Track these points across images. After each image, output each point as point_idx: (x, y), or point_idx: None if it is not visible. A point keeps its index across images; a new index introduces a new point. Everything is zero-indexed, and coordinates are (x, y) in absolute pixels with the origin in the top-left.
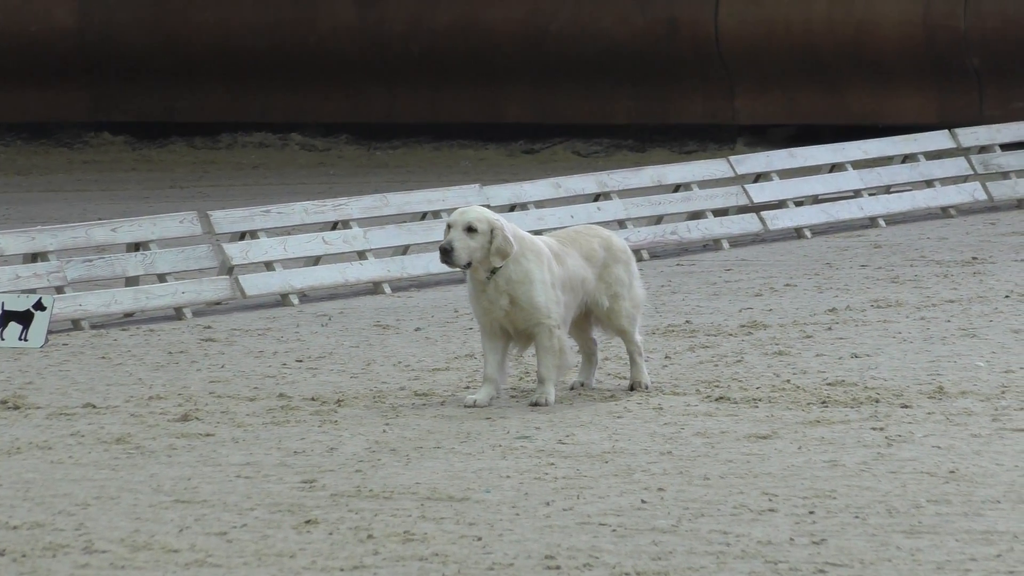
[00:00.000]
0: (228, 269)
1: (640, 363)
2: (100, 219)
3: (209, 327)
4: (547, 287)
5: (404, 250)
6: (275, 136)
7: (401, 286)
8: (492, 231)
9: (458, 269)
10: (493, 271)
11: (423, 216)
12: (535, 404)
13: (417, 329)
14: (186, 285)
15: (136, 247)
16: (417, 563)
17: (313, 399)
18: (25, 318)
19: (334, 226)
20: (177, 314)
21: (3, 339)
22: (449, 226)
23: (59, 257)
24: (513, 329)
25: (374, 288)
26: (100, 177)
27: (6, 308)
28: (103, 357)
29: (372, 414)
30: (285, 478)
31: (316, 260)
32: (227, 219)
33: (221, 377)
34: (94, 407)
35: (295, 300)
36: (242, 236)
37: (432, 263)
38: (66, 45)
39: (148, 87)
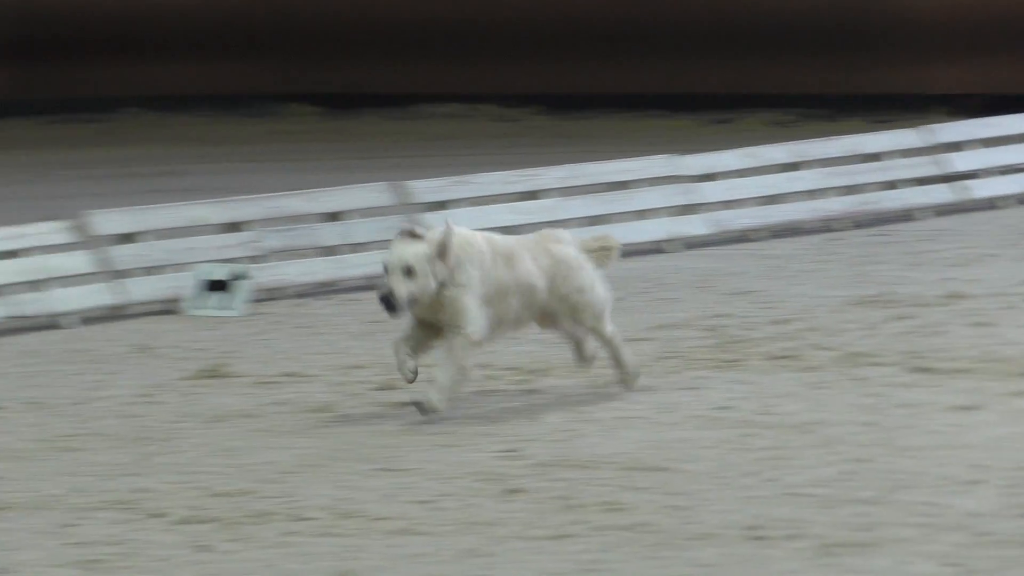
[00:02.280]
0: None
1: (622, 356)
2: (297, 189)
3: None
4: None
5: (597, 220)
6: (466, 107)
7: None
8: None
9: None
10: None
11: (616, 186)
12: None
13: (614, 299)
14: (382, 255)
15: (333, 217)
16: (621, 532)
17: (514, 368)
18: (226, 287)
19: (528, 196)
20: (372, 284)
21: (205, 308)
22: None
23: (258, 227)
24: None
25: None
26: (294, 148)
27: (207, 277)
28: (303, 326)
29: (572, 383)
30: (488, 447)
31: (510, 230)
32: (423, 189)
33: None
34: (296, 375)
35: None
36: (437, 206)
37: (626, 232)
38: (258, 18)
39: (340, 59)
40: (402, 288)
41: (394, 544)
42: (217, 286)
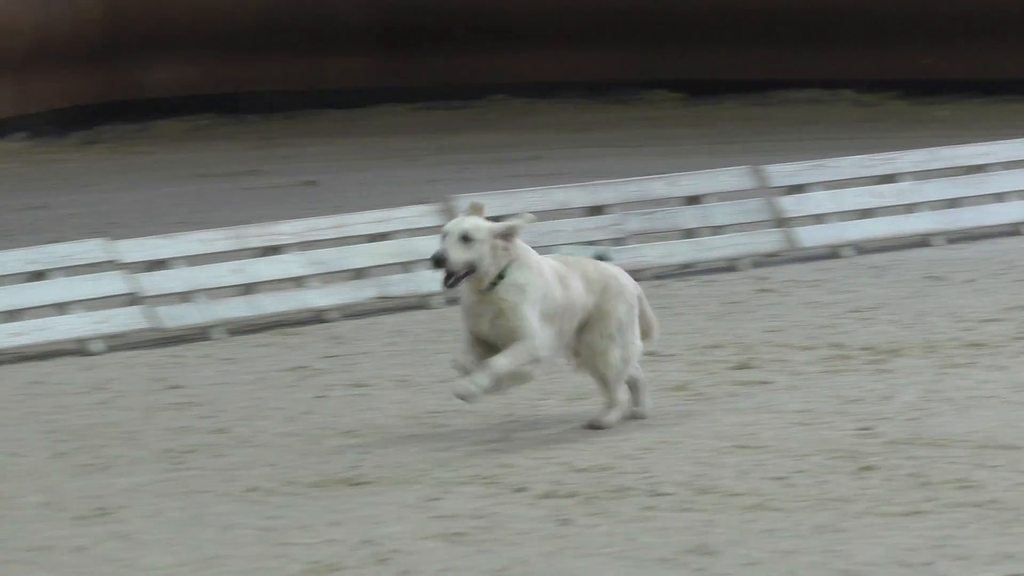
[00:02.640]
0: (781, 222)
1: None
2: (657, 174)
3: (764, 278)
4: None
5: (953, 203)
6: (826, 92)
7: (951, 238)
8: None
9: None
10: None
11: (972, 170)
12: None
13: (969, 280)
14: (741, 237)
15: (693, 200)
16: (973, 509)
17: (867, 348)
18: None
19: (884, 180)
20: (731, 265)
21: None
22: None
23: (619, 210)
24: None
25: (924, 240)
26: (655, 133)
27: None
28: (662, 306)
29: (926, 364)
30: (841, 425)
31: (867, 213)
32: (780, 173)
33: (776, 327)
34: (655, 355)
35: (847, 252)
36: (794, 190)
37: (982, 215)
38: (622, 7)
39: (701, 46)
40: (457, 254)
41: (748, 519)
42: None
